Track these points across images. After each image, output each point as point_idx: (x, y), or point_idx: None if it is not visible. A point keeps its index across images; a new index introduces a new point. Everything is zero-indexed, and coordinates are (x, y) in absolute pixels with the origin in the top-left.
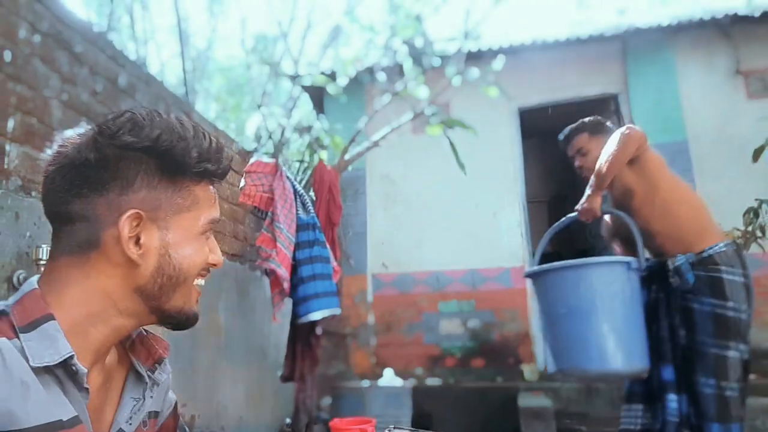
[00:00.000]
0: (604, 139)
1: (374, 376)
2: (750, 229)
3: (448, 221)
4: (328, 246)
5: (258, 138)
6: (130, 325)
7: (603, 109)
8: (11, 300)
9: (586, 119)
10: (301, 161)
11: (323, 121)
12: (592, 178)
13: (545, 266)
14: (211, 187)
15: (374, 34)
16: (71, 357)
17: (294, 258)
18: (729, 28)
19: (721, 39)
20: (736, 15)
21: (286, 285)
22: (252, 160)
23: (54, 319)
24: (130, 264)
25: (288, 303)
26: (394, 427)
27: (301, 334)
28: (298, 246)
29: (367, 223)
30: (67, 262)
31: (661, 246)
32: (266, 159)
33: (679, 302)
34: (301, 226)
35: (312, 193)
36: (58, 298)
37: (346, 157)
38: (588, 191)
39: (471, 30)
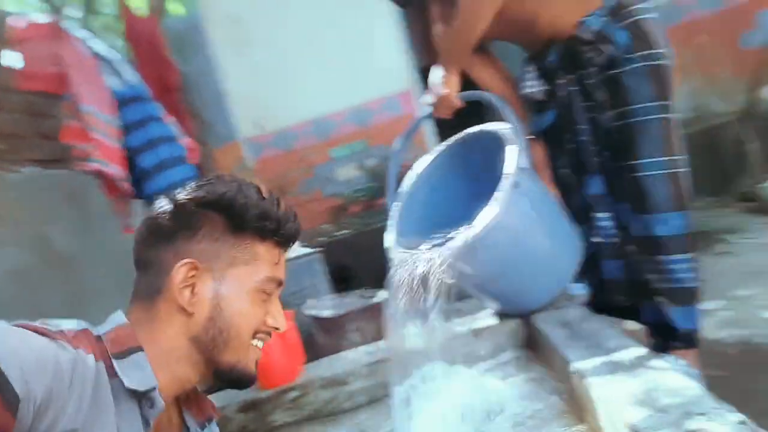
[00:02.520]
0: None
1: None
2: None
3: (317, 59)
4: (170, 120)
5: None
6: (187, 375)
7: None
8: (102, 329)
9: None
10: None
11: None
12: (446, 47)
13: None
14: (277, 249)
15: None
16: (154, 389)
17: (126, 147)
18: None
19: None
20: None
21: (125, 185)
22: (18, 24)
23: (143, 350)
24: (184, 312)
25: (141, 205)
26: None
27: None
28: (126, 130)
29: (220, 80)
30: (139, 306)
31: (552, 25)
32: (40, 18)
33: (601, 80)
34: (121, 103)
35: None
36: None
37: None
38: (443, 67)
39: None
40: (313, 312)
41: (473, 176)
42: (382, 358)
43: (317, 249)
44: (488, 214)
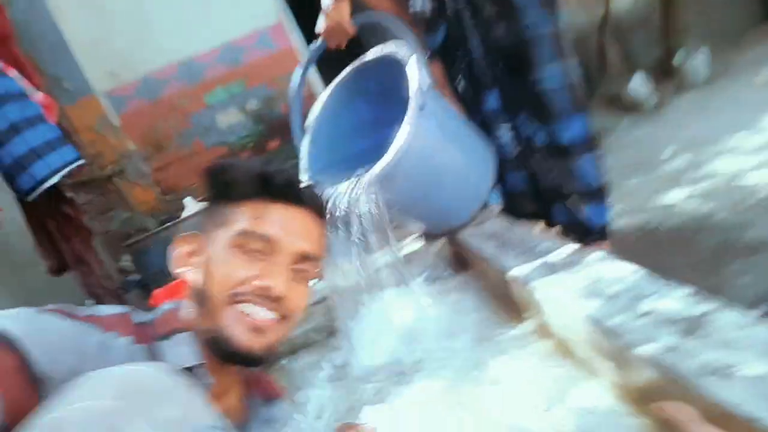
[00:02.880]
0: None
1: (170, 208)
2: None
3: None
4: (11, 73)
5: None
6: (208, 351)
7: None
8: (151, 315)
9: None
10: None
11: None
12: None
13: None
14: (261, 203)
15: None
16: (200, 365)
17: None
18: None
19: None
20: None
21: None
22: None
23: (187, 331)
24: (189, 287)
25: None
26: None
27: (45, 211)
28: None
29: (59, 27)
30: None
31: None
32: None
33: None
34: None
35: None
36: None
37: None
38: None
39: None
40: None
41: (378, 102)
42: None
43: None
44: (398, 141)
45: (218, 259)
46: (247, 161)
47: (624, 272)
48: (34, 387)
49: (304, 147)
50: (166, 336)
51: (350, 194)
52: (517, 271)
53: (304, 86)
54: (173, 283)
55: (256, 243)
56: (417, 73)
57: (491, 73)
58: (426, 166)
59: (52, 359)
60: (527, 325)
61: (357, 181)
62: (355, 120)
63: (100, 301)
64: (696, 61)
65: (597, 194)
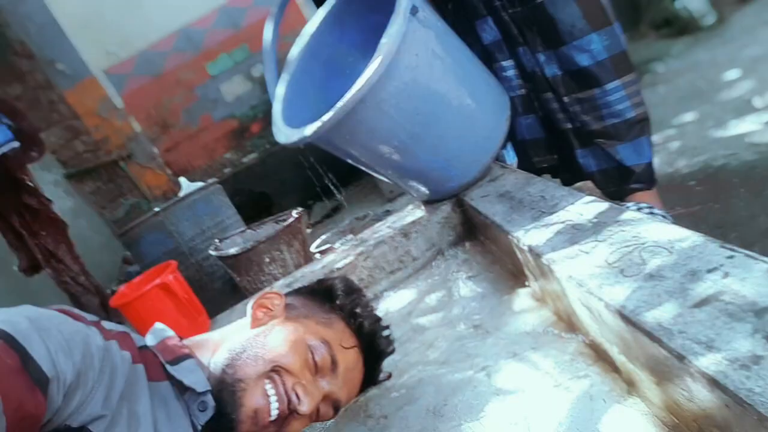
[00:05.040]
0: None
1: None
2: None
3: None
4: None
5: None
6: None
7: None
8: (147, 341)
9: None
10: None
11: None
12: None
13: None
14: (352, 337)
15: None
16: (208, 392)
17: None
18: None
19: None
20: None
21: None
22: None
23: (193, 358)
24: (250, 324)
25: None
26: None
27: (4, 204)
28: None
29: (48, 7)
30: None
31: None
32: None
33: None
34: None
35: None
36: None
37: None
38: None
39: None
40: (219, 252)
41: (372, 41)
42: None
43: (213, 181)
44: (382, 52)
45: (290, 335)
46: (370, 304)
47: (672, 236)
48: (36, 387)
49: (279, 93)
50: (173, 362)
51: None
52: (532, 239)
53: (278, 36)
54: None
55: (326, 360)
56: None
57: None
58: (420, 92)
59: (55, 359)
60: (545, 313)
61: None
62: (347, 62)
63: (77, 300)
64: None
65: (632, 127)
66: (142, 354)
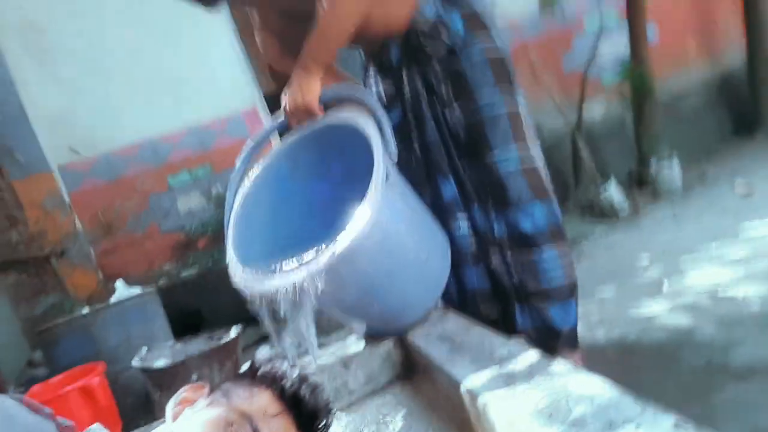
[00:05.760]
0: None
1: (109, 296)
2: None
3: (147, 74)
4: None
5: None
6: None
7: None
8: None
9: None
10: None
11: None
12: (312, 47)
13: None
14: (272, 399)
15: None
16: None
17: None
18: None
19: None
20: None
21: None
22: None
23: None
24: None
25: None
26: None
27: None
28: None
29: (21, 101)
30: None
31: (386, 22)
32: None
33: (443, 72)
34: None
35: None
36: None
37: None
38: (305, 69)
39: None
40: (144, 364)
41: (326, 175)
42: None
43: (150, 289)
44: (363, 212)
45: (207, 419)
46: (294, 369)
47: (595, 389)
48: None
49: (231, 229)
50: None
51: (292, 284)
52: (470, 381)
53: (249, 164)
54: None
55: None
56: (380, 139)
57: (447, 158)
58: (387, 248)
59: None
60: None
61: (302, 267)
62: (299, 198)
63: None
64: (669, 170)
65: (563, 293)
66: None
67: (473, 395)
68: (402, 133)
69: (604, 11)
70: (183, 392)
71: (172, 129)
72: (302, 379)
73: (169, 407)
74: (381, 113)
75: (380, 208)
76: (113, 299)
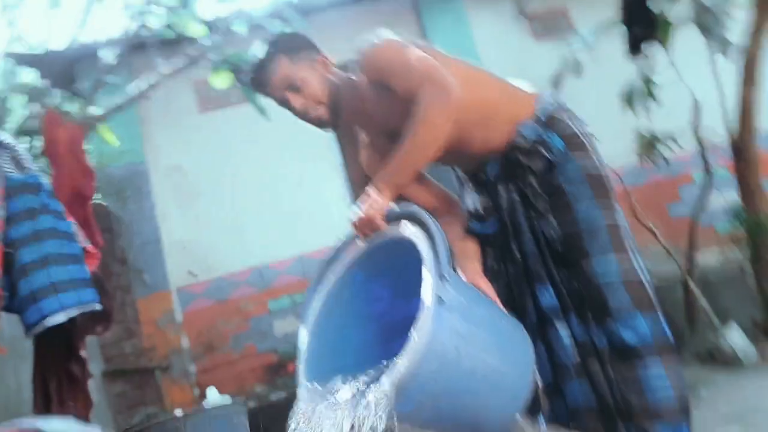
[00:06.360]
0: (309, 57)
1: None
2: None
3: (263, 207)
4: (71, 220)
5: None
6: None
7: None
8: None
9: (271, 39)
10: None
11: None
12: (388, 170)
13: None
14: None
15: None
16: None
17: (5, 240)
18: None
19: None
20: None
21: None
22: None
23: None
24: None
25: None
26: None
27: (52, 360)
28: (10, 220)
29: (159, 228)
30: None
31: (486, 143)
32: None
33: (541, 187)
34: (13, 188)
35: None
36: None
37: (99, 111)
38: (377, 187)
39: None
40: None
41: (390, 284)
42: None
43: (239, 401)
44: (413, 345)
45: None
46: None
47: None
48: None
49: (303, 341)
50: None
51: (354, 412)
52: None
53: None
54: None
55: None
56: (433, 261)
57: (544, 268)
58: (448, 371)
59: None
60: None
61: (361, 395)
62: (364, 306)
63: None
64: None
65: (673, 412)
66: None
67: None
68: (500, 240)
69: (712, 164)
70: None
71: (280, 257)
72: None
73: None
74: (440, 238)
75: (433, 335)
76: (206, 404)
